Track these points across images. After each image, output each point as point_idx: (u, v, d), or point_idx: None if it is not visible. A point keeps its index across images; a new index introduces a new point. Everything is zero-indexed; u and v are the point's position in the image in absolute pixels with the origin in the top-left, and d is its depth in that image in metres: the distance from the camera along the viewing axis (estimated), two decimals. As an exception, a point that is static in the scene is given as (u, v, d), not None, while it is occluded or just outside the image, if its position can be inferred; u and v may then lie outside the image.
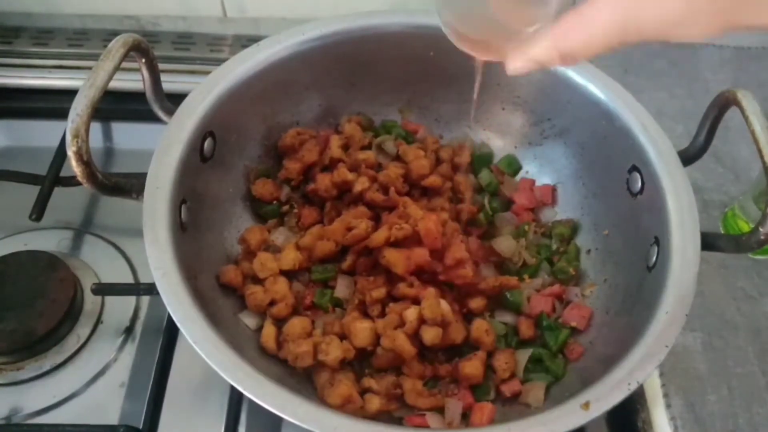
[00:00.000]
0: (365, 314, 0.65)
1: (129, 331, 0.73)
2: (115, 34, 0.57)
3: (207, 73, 0.67)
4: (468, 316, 0.66)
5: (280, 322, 0.64)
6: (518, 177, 0.78)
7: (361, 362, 0.63)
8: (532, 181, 0.77)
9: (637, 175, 0.65)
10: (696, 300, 0.55)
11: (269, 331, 0.62)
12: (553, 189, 0.76)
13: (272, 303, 0.64)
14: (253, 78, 0.68)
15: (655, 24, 0.35)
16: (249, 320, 0.65)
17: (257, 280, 0.66)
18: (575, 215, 0.74)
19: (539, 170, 0.78)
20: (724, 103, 0.59)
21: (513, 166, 0.78)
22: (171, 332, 0.70)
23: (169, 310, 0.52)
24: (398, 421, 0.60)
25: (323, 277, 0.68)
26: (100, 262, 0.77)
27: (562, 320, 0.67)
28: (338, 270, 0.68)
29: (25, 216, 0.75)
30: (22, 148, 0.89)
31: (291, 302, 0.65)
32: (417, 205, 0.68)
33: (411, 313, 0.60)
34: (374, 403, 0.58)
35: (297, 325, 0.62)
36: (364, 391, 0.60)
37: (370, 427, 0.50)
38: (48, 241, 0.78)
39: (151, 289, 0.69)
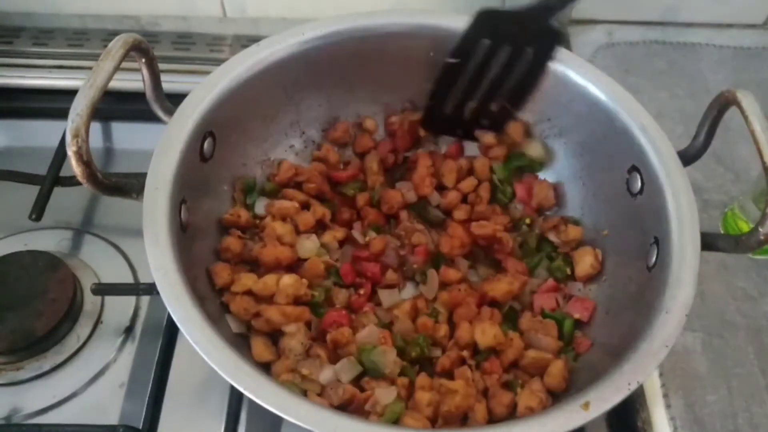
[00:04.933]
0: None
1: (129, 331, 0.73)
2: (115, 34, 0.57)
3: (207, 73, 0.67)
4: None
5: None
6: (517, 177, 0.78)
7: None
8: (535, 177, 0.77)
9: (637, 176, 0.65)
10: (696, 300, 0.55)
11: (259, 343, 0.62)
12: (555, 187, 0.75)
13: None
14: (253, 78, 0.68)
15: None
16: (234, 324, 0.63)
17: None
18: (575, 215, 0.74)
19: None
20: (723, 103, 0.59)
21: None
22: (171, 332, 0.70)
23: (169, 310, 0.52)
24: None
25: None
26: (100, 262, 0.77)
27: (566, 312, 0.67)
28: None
29: (25, 216, 0.75)
30: (22, 148, 0.89)
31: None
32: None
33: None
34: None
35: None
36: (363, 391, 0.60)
37: (370, 427, 0.50)
38: (48, 241, 0.78)
39: (151, 289, 0.69)
